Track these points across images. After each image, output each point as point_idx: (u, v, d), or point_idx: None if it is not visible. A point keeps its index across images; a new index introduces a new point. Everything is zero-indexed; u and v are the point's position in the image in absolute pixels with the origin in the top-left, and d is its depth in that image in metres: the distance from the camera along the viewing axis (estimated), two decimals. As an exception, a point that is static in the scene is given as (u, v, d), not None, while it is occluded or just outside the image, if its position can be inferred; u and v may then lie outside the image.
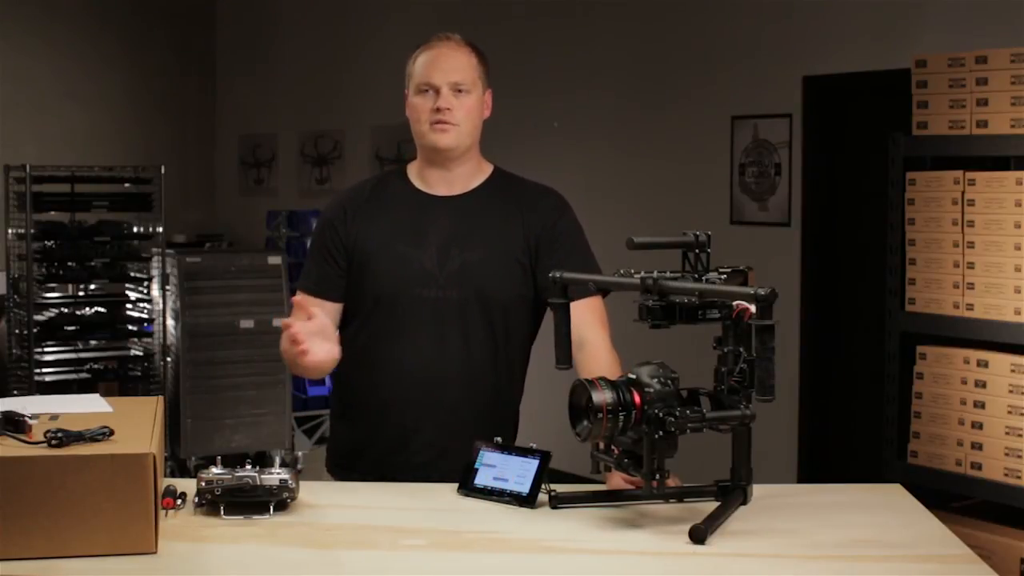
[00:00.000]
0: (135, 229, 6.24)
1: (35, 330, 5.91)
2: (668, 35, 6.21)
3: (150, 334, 6.16)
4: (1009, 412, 3.44)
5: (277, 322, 5.78)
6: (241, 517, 2.15)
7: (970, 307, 3.55)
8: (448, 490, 2.38)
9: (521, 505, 2.28)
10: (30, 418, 2.07)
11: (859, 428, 5.29)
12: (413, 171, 2.75)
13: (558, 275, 2.31)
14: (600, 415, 2.08)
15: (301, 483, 2.24)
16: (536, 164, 5.20)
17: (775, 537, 2.12)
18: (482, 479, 2.34)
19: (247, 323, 5.84)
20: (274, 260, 6.03)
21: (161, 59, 9.35)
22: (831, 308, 5.56)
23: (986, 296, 3.51)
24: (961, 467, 3.56)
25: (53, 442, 1.97)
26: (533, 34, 6.88)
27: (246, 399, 5.84)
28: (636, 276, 2.17)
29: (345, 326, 2.67)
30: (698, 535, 2.05)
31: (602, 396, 2.09)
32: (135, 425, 2.12)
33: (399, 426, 2.65)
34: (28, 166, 5.85)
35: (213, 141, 9.72)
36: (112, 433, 2.03)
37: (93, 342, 6.20)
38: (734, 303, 2.12)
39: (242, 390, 5.84)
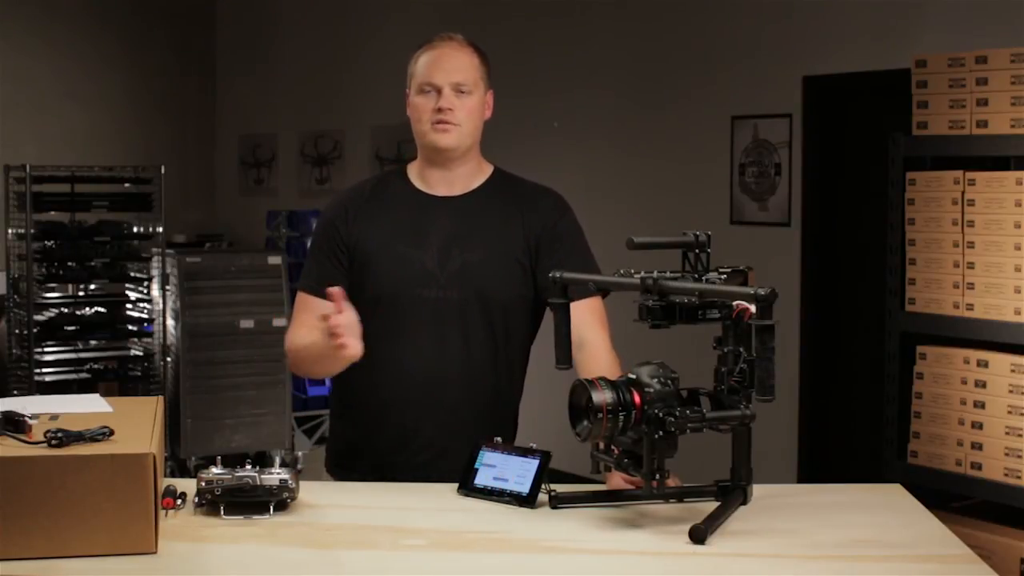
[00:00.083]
0: (135, 229, 6.24)
1: (35, 330, 5.91)
2: (668, 35, 6.21)
3: (150, 334, 6.15)
4: (1009, 412, 3.44)
5: (277, 322, 5.79)
6: (241, 517, 2.15)
7: (970, 307, 3.55)
8: (448, 490, 2.38)
9: (521, 505, 2.28)
10: (30, 418, 2.07)
11: (859, 428, 5.29)
12: (413, 171, 2.75)
13: (558, 275, 2.31)
14: (600, 415, 2.08)
15: (301, 483, 2.24)
16: (536, 164, 5.20)
17: (775, 537, 2.12)
18: (482, 479, 2.34)
19: (247, 323, 5.84)
20: (274, 260, 6.03)
21: (161, 59, 9.35)
22: (831, 308, 5.56)
23: (986, 296, 3.51)
24: (961, 467, 3.56)
25: (53, 442, 1.97)
26: (533, 34, 6.88)
27: (246, 399, 5.84)
28: (636, 276, 2.17)
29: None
30: (698, 535, 2.05)
31: (602, 396, 2.09)
32: (135, 425, 2.12)
33: (399, 426, 2.65)
34: (28, 166, 5.85)
35: (213, 141, 9.72)
36: (112, 433, 2.03)
37: (93, 342, 6.20)
38: (734, 303, 2.12)
39: (242, 390, 5.84)
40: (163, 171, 6.14)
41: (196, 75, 9.59)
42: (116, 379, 6.13)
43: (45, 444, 1.98)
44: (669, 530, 2.13)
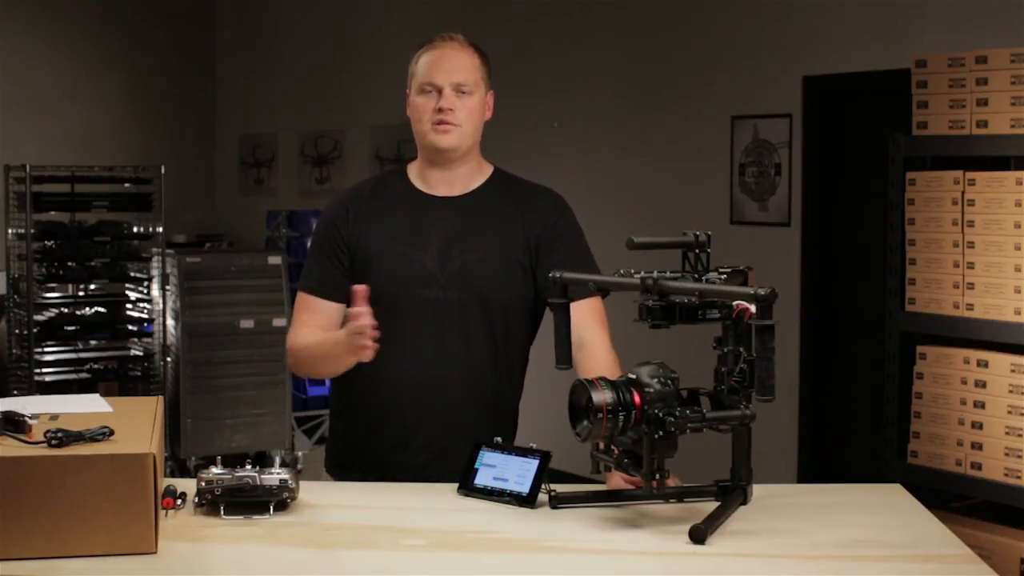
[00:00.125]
0: (135, 229, 6.24)
1: (35, 330, 5.91)
2: (668, 35, 6.21)
3: (150, 334, 6.15)
4: (1009, 412, 3.44)
5: (277, 322, 5.79)
6: (241, 517, 2.15)
7: (970, 307, 3.55)
8: (448, 490, 2.38)
9: (521, 505, 2.28)
10: (30, 418, 2.07)
11: (859, 428, 5.29)
12: (413, 171, 2.75)
13: (558, 275, 2.31)
14: (600, 415, 2.08)
15: (301, 483, 2.24)
16: (536, 164, 5.20)
17: (775, 537, 2.12)
18: (482, 479, 2.34)
19: (247, 323, 5.84)
20: (274, 260, 6.03)
21: (161, 59, 9.35)
22: (831, 308, 5.56)
23: (986, 296, 3.51)
24: (961, 467, 3.56)
25: (53, 442, 1.97)
26: (533, 34, 6.88)
27: (246, 399, 5.84)
28: (636, 276, 2.17)
29: (345, 326, 2.67)
30: (698, 535, 2.05)
31: (602, 396, 2.09)
32: (135, 425, 2.12)
33: (399, 426, 2.65)
34: (28, 166, 5.85)
35: (213, 141, 9.72)
36: (112, 433, 2.03)
37: (93, 342, 6.20)
38: (734, 303, 2.12)
39: (242, 390, 5.84)
40: (163, 171, 6.14)
41: (196, 75, 9.59)
42: (116, 379, 6.13)
43: (45, 444, 1.98)
44: (669, 530, 2.13)
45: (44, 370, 6.03)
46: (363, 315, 2.38)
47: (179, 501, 2.17)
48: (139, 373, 6.15)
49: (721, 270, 2.18)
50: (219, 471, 2.18)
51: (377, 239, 2.67)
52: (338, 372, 2.61)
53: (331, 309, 2.68)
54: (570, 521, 2.20)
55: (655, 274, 2.15)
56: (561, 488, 2.29)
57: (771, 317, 2.02)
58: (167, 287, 6.00)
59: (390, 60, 6.23)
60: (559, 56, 6.74)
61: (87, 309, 6.21)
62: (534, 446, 2.36)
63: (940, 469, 3.61)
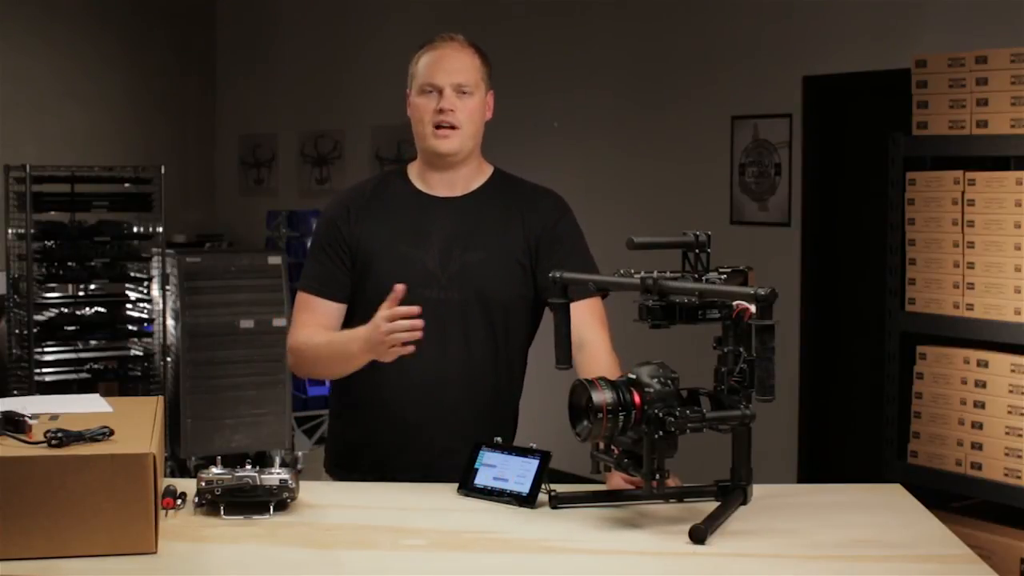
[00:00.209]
0: (135, 229, 6.24)
1: (35, 330, 5.91)
2: (668, 35, 6.21)
3: (150, 334, 6.15)
4: (1009, 412, 3.44)
5: (277, 322, 5.79)
6: (241, 517, 2.15)
7: (970, 307, 3.55)
8: (448, 490, 2.38)
9: (521, 505, 2.28)
10: (30, 418, 2.07)
11: (859, 428, 5.29)
12: (414, 171, 2.75)
13: (558, 275, 2.31)
14: (600, 415, 2.08)
15: (301, 483, 2.24)
16: (536, 164, 5.20)
17: (775, 537, 2.12)
18: (482, 479, 2.34)
19: (247, 323, 5.83)
20: (274, 260, 6.02)
21: (161, 59, 9.35)
22: (831, 308, 5.56)
23: (986, 296, 3.51)
24: (961, 467, 3.56)
25: (53, 442, 1.97)
26: (533, 34, 6.88)
27: (246, 399, 5.84)
28: (636, 276, 2.17)
29: (344, 326, 2.67)
30: (698, 535, 2.05)
31: (602, 396, 2.09)
32: (135, 425, 2.12)
33: (400, 426, 2.64)
34: (28, 166, 5.85)
35: (213, 141, 9.72)
36: (112, 433, 2.03)
37: (93, 342, 6.20)
38: (734, 303, 2.12)
39: (242, 390, 5.84)
40: (163, 171, 6.14)
41: (196, 75, 9.59)
42: (116, 379, 6.13)
43: (45, 444, 1.98)
44: (669, 530, 2.13)
45: (44, 370, 6.02)
46: (413, 313, 2.37)
47: (179, 501, 2.17)
48: (139, 373, 6.15)
49: (721, 270, 2.18)
50: (219, 471, 2.18)
51: (379, 239, 2.67)
52: (345, 373, 2.61)
53: (332, 309, 2.67)
54: (570, 521, 2.20)
55: (655, 274, 2.15)
56: (561, 488, 2.29)
57: (771, 317, 2.02)
58: (167, 287, 6.00)
59: (390, 60, 6.23)
60: (559, 56, 6.74)
61: (87, 309, 6.21)
62: (534, 446, 2.36)
63: (940, 469, 3.61)
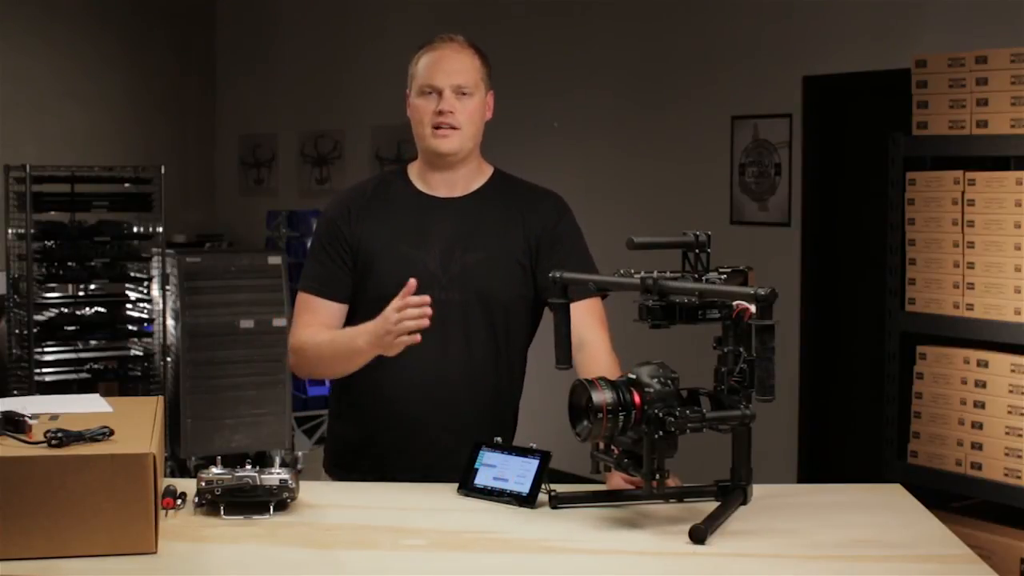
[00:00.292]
0: (135, 229, 6.24)
1: (35, 330, 5.91)
2: (668, 35, 6.21)
3: (150, 334, 6.15)
4: (1009, 412, 3.44)
5: (277, 322, 5.79)
6: (241, 517, 2.15)
7: (970, 307, 3.55)
8: (448, 490, 2.38)
9: (521, 505, 2.28)
10: (30, 418, 2.07)
11: (859, 428, 5.29)
12: (414, 172, 2.75)
13: (558, 275, 2.31)
14: (600, 415, 2.08)
15: (301, 483, 2.24)
16: (536, 164, 5.20)
17: (775, 537, 2.12)
18: (482, 479, 2.34)
19: (247, 323, 5.83)
20: (274, 260, 6.02)
21: (161, 59, 9.35)
22: (831, 308, 5.56)
23: (986, 296, 3.51)
24: (961, 467, 3.56)
25: (53, 442, 1.97)
26: (533, 34, 6.88)
27: (246, 399, 5.84)
28: (636, 276, 2.17)
29: (346, 327, 2.67)
30: (698, 535, 2.05)
31: (602, 396, 2.09)
32: (135, 425, 2.12)
33: (401, 427, 2.64)
34: (28, 166, 5.84)
35: (213, 141, 9.72)
36: (112, 433, 2.03)
37: (93, 342, 6.19)
38: (734, 303, 2.12)
39: (242, 390, 5.84)
40: (163, 171, 6.14)
41: (196, 75, 9.59)
42: (116, 379, 6.13)
43: (45, 444, 1.98)
44: (669, 530, 2.13)
45: (44, 370, 6.02)
46: (425, 303, 2.37)
47: (179, 501, 2.17)
48: (139, 373, 6.15)
49: (721, 270, 2.18)
50: (219, 471, 2.18)
51: (379, 239, 2.67)
52: (346, 372, 2.61)
53: (334, 309, 2.67)
54: (570, 521, 2.20)
55: (655, 274, 2.15)
56: (561, 488, 2.29)
57: (771, 317, 2.02)
58: (167, 287, 6.00)
59: (390, 60, 6.23)
60: (559, 56, 6.74)
61: (87, 309, 6.21)
62: (534, 446, 2.36)
63: (940, 469, 3.61)
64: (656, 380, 2.12)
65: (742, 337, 2.13)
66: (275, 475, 2.18)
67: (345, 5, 8.39)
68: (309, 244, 2.88)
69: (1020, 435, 3.42)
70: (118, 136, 9.01)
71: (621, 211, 6.21)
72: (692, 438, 2.12)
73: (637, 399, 2.09)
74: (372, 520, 2.21)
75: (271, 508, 2.17)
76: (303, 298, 2.71)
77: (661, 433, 2.07)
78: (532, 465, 2.32)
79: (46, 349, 6.05)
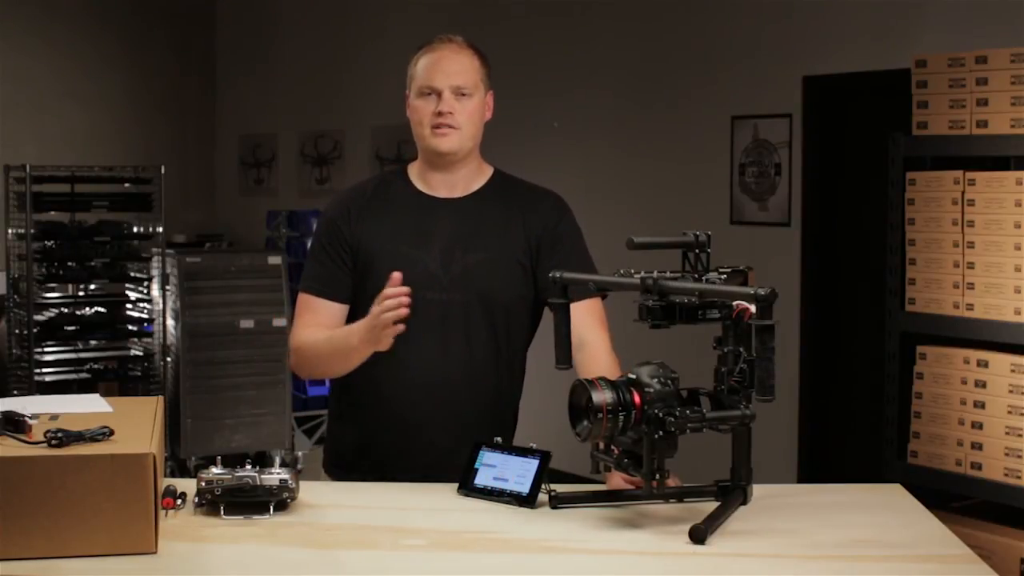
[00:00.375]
0: (135, 229, 6.24)
1: (35, 330, 5.91)
2: (668, 35, 6.21)
3: (150, 334, 6.15)
4: (1009, 412, 3.44)
5: (277, 322, 5.78)
6: (241, 517, 2.15)
7: (970, 307, 3.55)
8: (448, 490, 2.38)
9: (521, 505, 2.28)
10: (30, 418, 2.07)
11: (859, 428, 5.29)
12: (414, 172, 2.75)
13: (558, 275, 2.31)
14: (600, 415, 2.08)
15: (301, 483, 2.24)
16: (536, 164, 5.20)
17: (775, 537, 2.12)
18: (482, 479, 2.34)
19: (247, 323, 5.83)
20: (274, 260, 6.02)
21: (161, 59, 9.35)
22: (831, 308, 5.56)
23: (986, 296, 3.51)
24: (961, 467, 3.56)
25: (53, 442, 1.97)
26: (533, 34, 6.88)
27: (246, 399, 5.84)
28: (636, 276, 2.17)
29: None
30: (698, 535, 2.05)
31: (602, 396, 2.09)
32: (135, 425, 2.12)
33: (402, 427, 2.64)
34: (28, 166, 5.84)
35: (213, 141, 9.72)
36: (112, 433, 2.03)
37: (93, 342, 6.19)
38: (734, 303, 2.12)
39: (242, 390, 5.84)
40: (163, 171, 6.14)
41: (196, 75, 9.59)
42: (116, 379, 6.13)
43: (45, 444, 1.98)
44: (669, 530, 2.13)
45: (44, 370, 6.02)
46: (402, 294, 2.37)
47: (179, 501, 2.17)
48: (139, 373, 6.15)
49: (721, 270, 2.18)
50: (219, 471, 2.18)
51: (380, 240, 2.67)
52: (345, 371, 2.61)
53: (334, 309, 2.67)
54: (570, 521, 2.20)
55: (655, 274, 2.15)
56: (561, 488, 2.29)
57: (771, 317, 2.02)
58: (167, 287, 6.00)
59: (390, 60, 6.23)
60: (559, 56, 6.74)
61: (87, 309, 6.21)
62: (534, 446, 2.36)
63: (940, 469, 3.61)
64: (656, 380, 2.12)
65: (742, 337, 2.13)
66: (275, 475, 2.18)
67: (345, 5, 8.39)
68: (309, 244, 2.88)
69: (1020, 435, 3.42)
70: (118, 136, 9.01)
71: (621, 211, 6.21)
72: (692, 438, 2.12)
73: (637, 399, 2.09)
74: (372, 520, 2.21)
75: (271, 508, 2.17)
76: (303, 298, 2.71)
77: (661, 433, 2.07)
78: (532, 465, 2.32)
79: (46, 349, 6.05)
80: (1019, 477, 3.41)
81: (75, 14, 8.98)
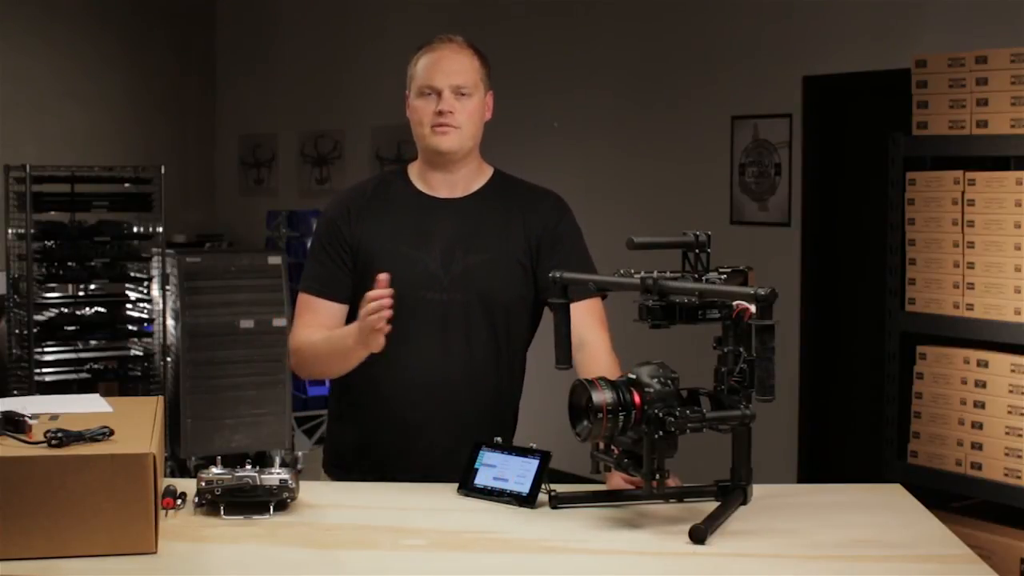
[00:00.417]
0: (135, 229, 6.24)
1: (35, 330, 5.91)
2: (668, 35, 6.21)
3: (150, 334, 6.15)
4: (1009, 412, 3.44)
5: (277, 322, 5.79)
6: (241, 517, 2.15)
7: (970, 307, 3.55)
8: (448, 490, 2.38)
9: (521, 505, 2.28)
10: (30, 418, 2.07)
11: (859, 428, 5.29)
12: (414, 172, 2.75)
13: (558, 275, 2.31)
14: (600, 415, 2.08)
15: (301, 483, 2.24)
16: (536, 164, 5.20)
17: (775, 537, 2.12)
18: (482, 479, 2.34)
19: (247, 323, 5.83)
20: (274, 260, 6.02)
21: (161, 59, 9.35)
22: (831, 308, 5.56)
23: (986, 296, 3.51)
24: (961, 467, 3.56)
25: (53, 442, 1.97)
26: (533, 34, 6.88)
27: (246, 399, 5.84)
28: (636, 276, 2.17)
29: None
30: (698, 535, 2.05)
31: (602, 396, 2.09)
32: (135, 425, 2.12)
33: (402, 428, 2.64)
34: (28, 166, 5.84)
35: (213, 141, 9.72)
36: (112, 433, 2.03)
37: (93, 342, 6.20)
38: (734, 303, 2.12)
39: (242, 390, 5.84)
40: (163, 171, 6.14)
41: (196, 75, 9.59)
42: (116, 379, 6.13)
43: (45, 444, 1.98)
44: (669, 530, 2.13)
45: (44, 370, 6.02)
46: (383, 296, 2.37)
47: (179, 501, 2.17)
48: (139, 373, 6.15)
49: (721, 270, 2.18)
50: (219, 471, 2.18)
51: (380, 240, 2.66)
52: (344, 371, 2.60)
53: (334, 310, 2.67)
54: (570, 521, 2.20)
55: (655, 274, 2.15)
56: (561, 488, 2.29)
57: (771, 317, 2.02)
58: (167, 287, 6.00)
59: (390, 60, 6.23)
60: (559, 56, 6.74)
61: (87, 309, 6.21)
62: (534, 446, 2.36)
63: (940, 469, 3.61)
64: (656, 380, 2.12)
65: (742, 337, 2.13)
66: (275, 475, 2.18)
67: (345, 5, 8.40)
68: (309, 244, 2.88)
69: (1020, 435, 3.42)
70: (118, 136, 9.01)
71: (621, 211, 6.21)
72: (692, 438, 2.12)
73: (637, 399, 2.09)
74: (372, 520, 2.21)
75: (271, 508, 2.17)
76: (303, 299, 2.71)
77: (661, 433, 2.07)
78: (532, 465, 2.32)
79: (46, 349, 6.05)
80: (1019, 477, 3.41)
81: (75, 14, 8.98)
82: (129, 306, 6.31)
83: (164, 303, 6.03)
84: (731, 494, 2.22)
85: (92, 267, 6.07)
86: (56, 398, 2.55)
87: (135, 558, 1.93)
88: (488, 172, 2.77)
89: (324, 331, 2.63)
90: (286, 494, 2.18)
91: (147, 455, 1.95)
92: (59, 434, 1.98)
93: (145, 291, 6.18)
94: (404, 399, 2.63)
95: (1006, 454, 3.45)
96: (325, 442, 2.90)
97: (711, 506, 2.16)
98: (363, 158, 8.19)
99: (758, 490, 2.28)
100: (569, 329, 2.33)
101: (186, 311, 5.81)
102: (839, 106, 5.52)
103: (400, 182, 2.74)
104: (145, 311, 6.20)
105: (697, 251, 2.16)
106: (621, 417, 2.08)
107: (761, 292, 2.00)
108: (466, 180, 2.72)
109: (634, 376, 2.13)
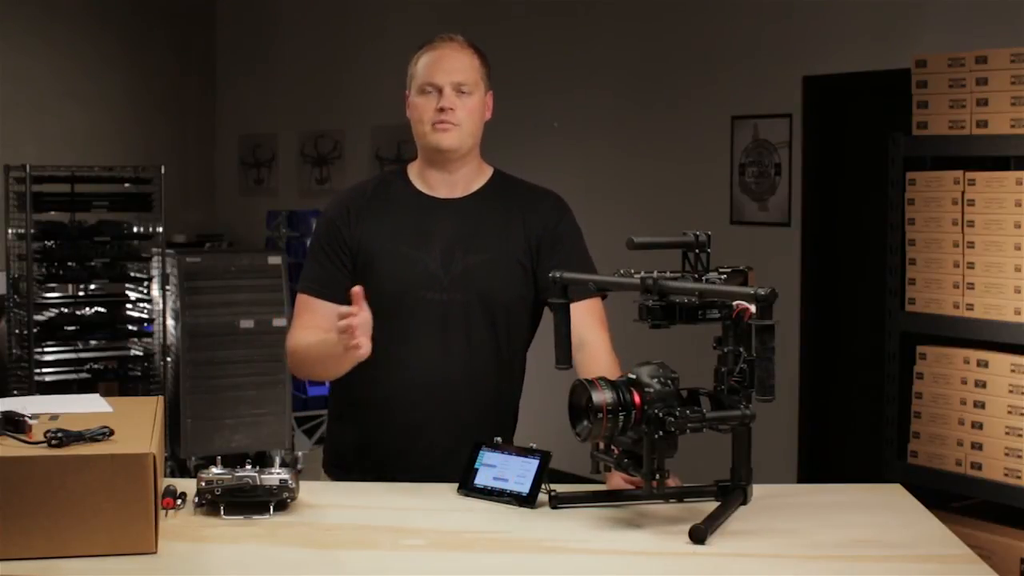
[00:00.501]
0: (135, 229, 6.24)
1: (35, 330, 5.91)
2: (668, 35, 6.21)
3: (150, 334, 6.15)
4: (1009, 412, 3.44)
5: (277, 322, 5.79)
6: (241, 517, 2.15)
7: (970, 307, 3.55)
8: (448, 490, 2.38)
9: (521, 505, 2.28)
10: (30, 418, 2.07)
11: (859, 428, 5.29)
12: (414, 172, 2.75)
13: (558, 275, 2.31)
14: (600, 415, 2.08)
15: (301, 483, 2.24)
16: (536, 164, 5.20)
17: (775, 537, 2.12)
18: (482, 479, 2.34)
19: (247, 323, 5.84)
20: (274, 260, 6.03)
21: (161, 59, 9.35)
22: (831, 308, 5.56)
23: (986, 296, 3.51)
24: (961, 467, 3.56)
25: (53, 442, 1.97)
26: (533, 34, 6.88)
27: (246, 399, 5.84)
28: (636, 276, 2.17)
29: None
30: (698, 535, 2.05)
31: (602, 396, 2.09)
32: (135, 425, 2.12)
33: (402, 428, 2.64)
34: (28, 166, 5.85)
35: (213, 141, 9.72)
36: (112, 433, 2.03)
37: (93, 342, 6.20)
38: (734, 303, 2.12)
39: (242, 390, 5.84)
40: (163, 171, 6.14)
41: (196, 75, 9.59)
42: (116, 379, 6.13)
43: (45, 444, 1.98)
44: (669, 530, 2.13)
45: (44, 370, 6.02)
46: (351, 314, 2.36)
47: (179, 501, 2.17)
48: (139, 373, 6.15)
49: (721, 270, 2.18)
50: (219, 471, 2.18)
51: (380, 240, 2.66)
52: (339, 374, 2.60)
53: (333, 311, 2.66)
54: (570, 521, 2.20)
55: (655, 274, 2.15)
56: (561, 488, 2.29)
57: (771, 317, 2.02)
58: (167, 287, 6.00)
59: (390, 60, 6.23)
60: (559, 56, 6.74)
61: (87, 309, 6.21)
62: (534, 446, 2.36)
63: (940, 469, 3.61)
64: (656, 380, 2.12)
65: (742, 337, 2.13)
66: (275, 475, 2.18)
67: (345, 5, 8.40)
68: (309, 244, 2.88)
69: (1020, 435, 3.42)
70: (118, 136, 9.01)
71: (621, 211, 6.21)
72: (692, 438, 2.12)
73: (637, 399, 2.09)
74: (372, 520, 2.21)
75: (271, 508, 2.17)
76: (303, 299, 2.71)
77: (661, 433, 2.07)
78: (532, 465, 2.32)
79: (46, 349, 6.05)
80: (1019, 477, 3.41)
81: (75, 14, 8.98)
82: (129, 306, 6.31)
83: (164, 303, 6.03)
84: (731, 494, 2.22)
85: (92, 267, 6.07)
86: (56, 398, 2.55)
87: (135, 558, 1.93)
88: (488, 172, 2.77)
89: (320, 333, 2.62)
90: (286, 494, 2.18)
91: (147, 455, 1.95)
92: (59, 434, 1.98)
93: (145, 291, 6.18)
94: (404, 399, 2.63)
95: (1006, 454, 3.45)
96: (325, 442, 2.90)
97: (711, 506, 2.16)
98: (363, 158, 8.19)
99: (758, 490, 2.28)
100: (569, 329, 2.33)
101: (186, 311, 5.81)
102: (839, 106, 5.52)
103: (400, 182, 2.74)
104: (145, 311, 6.20)
105: (697, 251, 2.16)
106: (621, 417, 2.08)
107: (761, 292, 2.00)
108: (466, 180, 2.72)
109: (634, 376, 2.13)
